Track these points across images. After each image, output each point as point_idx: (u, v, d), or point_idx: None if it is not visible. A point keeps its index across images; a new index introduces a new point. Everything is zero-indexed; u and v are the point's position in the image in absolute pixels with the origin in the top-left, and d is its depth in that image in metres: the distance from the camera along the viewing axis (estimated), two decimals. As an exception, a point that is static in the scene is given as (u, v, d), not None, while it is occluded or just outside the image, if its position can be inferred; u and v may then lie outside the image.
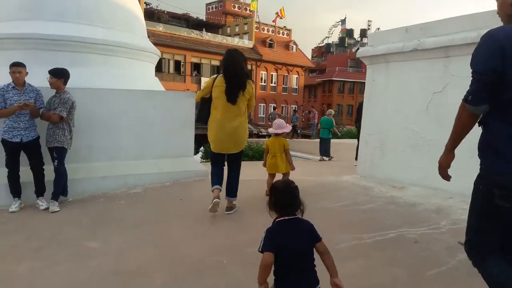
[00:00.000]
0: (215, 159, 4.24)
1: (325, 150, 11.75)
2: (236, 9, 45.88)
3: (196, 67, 35.96)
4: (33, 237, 3.71)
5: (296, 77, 42.17)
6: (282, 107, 41.04)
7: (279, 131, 4.77)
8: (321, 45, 62.05)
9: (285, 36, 42.92)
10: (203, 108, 4.23)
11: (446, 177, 2.07)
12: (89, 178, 5.14)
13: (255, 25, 39.99)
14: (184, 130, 5.89)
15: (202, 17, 43.24)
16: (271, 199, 2.05)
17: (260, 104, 39.32)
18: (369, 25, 61.28)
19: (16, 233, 3.82)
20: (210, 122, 4.15)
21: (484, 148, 1.83)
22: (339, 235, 3.53)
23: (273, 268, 1.95)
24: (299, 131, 24.49)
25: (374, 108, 5.42)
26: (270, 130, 4.91)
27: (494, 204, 1.76)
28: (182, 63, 34.79)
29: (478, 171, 1.85)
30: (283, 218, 2.01)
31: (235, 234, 3.68)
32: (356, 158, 8.73)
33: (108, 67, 6.03)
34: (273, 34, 41.49)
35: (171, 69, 33.82)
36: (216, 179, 4.17)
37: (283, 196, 2.03)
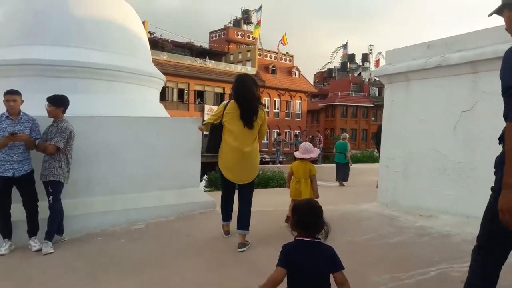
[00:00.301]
0: (226, 187, 4.13)
1: (343, 175, 11.67)
2: (239, 36, 46.41)
3: (200, 94, 36.00)
4: (22, 284, 3.26)
5: (299, 102, 42.11)
6: (285, 132, 40.77)
7: (306, 156, 4.49)
8: (323, 70, 62.46)
9: (287, 62, 43.18)
10: (213, 136, 4.03)
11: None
12: (88, 214, 4.72)
13: (258, 52, 40.28)
14: (190, 158, 5.50)
15: (206, 45, 43.67)
16: (293, 218, 2.01)
17: (264, 130, 39.07)
18: (370, 49, 61.90)
19: (3, 278, 3.38)
20: (222, 148, 3.95)
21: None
22: (372, 275, 3.06)
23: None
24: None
25: (395, 130, 5.02)
26: (296, 154, 4.61)
27: None
28: (185, 91, 34.84)
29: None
30: (303, 238, 1.96)
31: (251, 280, 3.20)
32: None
33: (110, 93, 5.72)
34: (276, 60, 41.75)
35: (175, 97, 33.83)
36: (226, 211, 4.19)
37: (306, 215, 1.97)
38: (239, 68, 38.53)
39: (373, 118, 48.47)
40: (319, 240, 1.97)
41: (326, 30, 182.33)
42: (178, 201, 5.32)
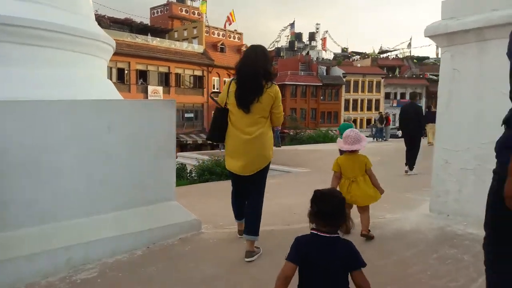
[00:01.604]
0: (233, 181, 3.62)
1: None
2: (184, 12, 43.43)
3: (142, 74, 33.18)
4: None
5: (250, 82, 40.50)
6: (237, 114, 39.19)
7: (357, 147, 3.55)
8: (271, 49, 60.99)
9: (236, 40, 41.19)
10: (217, 121, 3.42)
11: None
12: (3, 261, 2.87)
13: (205, 29, 37.86)
14: (161, 159, 3.77)
15: (146, 21, 40.43)
16: (313, 207, 1.81)
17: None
18: (317, 28, 61.30)
19: None
20: (227, 137, 3.40)
21: None
22: None
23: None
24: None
25: (460, 112, 3.62)
26: (342, 145, 3.62)
27: None
28: (126, 71, 31.85)
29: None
30: (318, 233, 1.76)
31: None
32: (407, 164, 8.18)
33: (36, 64, 3.74)
34: (224, 38, 39.59)
35: (114, 78, 30.70)
36: (237, 210, 3.65)
37: (325, 206, 1.77)
38: (184, 46, 36.01)
39: (322, 97, 48.12)
40: (337, 235, 1.76)
41: (272, 10, 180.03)
42: (145, 225, 3.61)
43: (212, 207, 5.47)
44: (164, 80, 34.49)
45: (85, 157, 3.37)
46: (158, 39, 35.22)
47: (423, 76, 53.71)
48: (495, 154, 1.72)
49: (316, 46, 60.57)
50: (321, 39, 60.37)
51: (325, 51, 59.18)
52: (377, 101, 50.45)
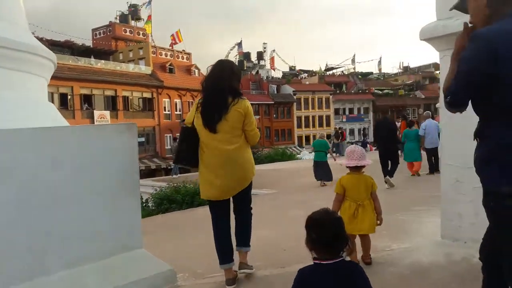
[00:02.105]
0: (214, 211, 3.16)
1: (326, 174, 10.80)
2: (128, 33, 42.12)
3: (87, 99, 31.38)
4: None
5: (201, 103, 39.74)
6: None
7: (365, 162, 3.22)
8: (219, 69, 60.86)
9: (185, 60, 40.47)
10: (184, 143, 3.14)
11: None
12: None
13: (152, 50, 36.82)
14: (122, 197, 3.01)
15: (89, 43, 38.68)
16: (309, 236, 1.68)
17: (166, 135, 35.89)
18: (264, 48, 62.11)
19: None
20: (200, 160, 3.09)
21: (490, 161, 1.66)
22: None
23: None
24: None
25: (466, 122, 3.20)
26: (346, 162, 3.27)
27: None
28: (69, 96, 29.98)
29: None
30: (320, 262, 1.64)
31: None
32: (386, 175, 8.29)
33: None
34: (172, 58, 38.71)
35: (56, 104, 28.73)
36: (221, 248, 3.07)
37: (325, 230, 1.65)
38: (131, 68, 34.72)
39: (274, 115, 48.36)
40: (341, 259, 1.65)
41: (217, 30, 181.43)
42: (107, 284, 2.81)
43: (185, 246, 4.72)
44: (111, 103, 32.86)
45: (24, 201, 2.55)
46: (103, 61, 33.69)
47: (368, 91, 55.79)
48: (475, 169, 1.74)
49: (265, 65, 61.25)
50: (269, 58, 61.19)
51: (274, 70, 60.00)
52: (328, 117, 51.54)
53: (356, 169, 3.23)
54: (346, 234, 1.73)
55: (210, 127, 2.96)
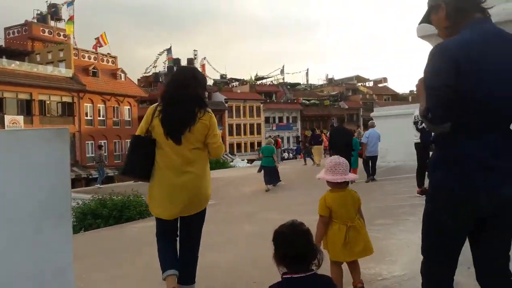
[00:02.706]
0: (162, 228, 2.91)
1: (275, 178, 11.69)
2: (46, 33, 38.84)
3: (-3, 102, 28.20)
4: None
5: (128, 109, 37.79)
6: (115, 142, 35.99)
7: (352, 177, 2.90)
8: (148, 74, 58.69)
9: (110, 64, 38.27)
10: (135, 153, 2.88)
11: None
12: None
13: (74, 51, 34.26)
14: (46, 230, 2.30)
15: (0, 43, 35.01)
16: (278, 251, 1.62)
17: (87, 142, 33.48)
18: (195, 55, 61.20)
19: None
20: (153, 176, 2.84)
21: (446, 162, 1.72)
22: None
23: None
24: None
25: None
26: (329, 177, 2.77)
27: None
28: (-25, 99, 26.73)
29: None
30: (292, 276, 1.57)
31: None
32: None
33: None
34: (96, 61, 36.38)
35: (-41, 107, 25.45)
36: (167, 257, 2.84)
37: (294, 246, 1.58)
38: (49, 70, 31.98)
39: (205, 123, 47.69)
40: (313, 272, 1.60)
41: (146, 36, 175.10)
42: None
43: (123, 277, 3.99)
44: (25, 108, 29.87)
45: None
46: (17, 62, 30.59)
47: (296, 101, 57.51)
48: (427, 173, 1.84)
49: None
50: (200, 65, 60.41)
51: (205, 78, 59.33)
52: (258, 125, 52.10)
53: (339, 185, 2.77)
54: (315, 247, 1.67)
55: (174, 138, 2.75)
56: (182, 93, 2.83)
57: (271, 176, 11.59)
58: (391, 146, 13.36)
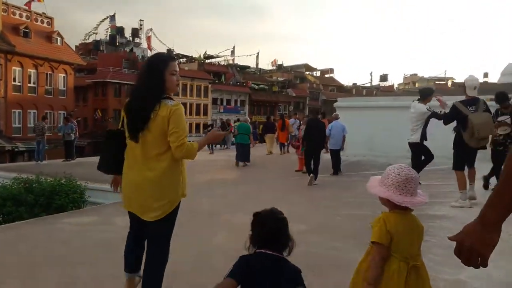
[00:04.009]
0: (130, 222, 2.86)
1: (247, 155, 12.56)
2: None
3: None
4: None
5: (64, 77, 34.33)
6: (47, 113, 32.54)
7: (423, 200, 1.96)
8: (87, 41, 54.14)
9: (45, 25, 34.35)
10: (105, 148, 2.92)
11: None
12: None
13: (3, 7, 30.15)
14: None
15: None
16: (254, 231, 1.81)
17: (14, 110, 29.94)
18: (141, 25, 57.46)
19: None
20: (123, 168, 2.78)
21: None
22: None
23: None
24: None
25: None
26: (396, 198, 1.91)
27: None
28: None
29: None
30: (264, 251, 1.76)
31: None
32: (310, 173, 8.96)
33: None
34: (29, 21, 32.43)
35: None
36: (128, 258, 2.84)
37: (269, 229, 1.77)
38: (-30, 25, 27.83)
39: (149, 99, 44.92)
40: (282, 256, 1.79)
41: (86, 1, 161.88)
42: None
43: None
44: None
45: None
46: None
47: (246, 84, 56.33)
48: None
49: (141, 43, 56.80)
50: (146, 37, 56.94)
51: (151, 50, 55.96)
52: (205, 106, 50.28)
53: (405, 209, 1.96)
54: (289, 236, 1.81)
55: (133, 137, 2.65)
56: (139, 86, 2.72)
57: (245, 154, 12.42)
58: (351, 140, 12.82)
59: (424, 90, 6.88)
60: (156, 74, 2.63)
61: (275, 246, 1.76)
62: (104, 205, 8.21)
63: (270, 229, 1.76)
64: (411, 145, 7.12)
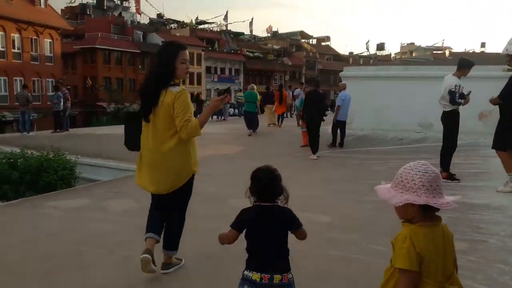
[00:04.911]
0: (152, 199, 3.16)
1: (256, 124, 12.73)
2: None
3: None
4: None
5: (50, 42, 32.63)
6: (34, 81, 31.18)
7: (454, 199, 1.57)
8: (73, 4, 51.57)
9: (28, -15, 32.29)
10: (127, 127, 3.18)
11: None
12: None
13: (-21, -36, 28.12)
14: None
15: None
16: (252, 185, 2.08)
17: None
18: (128, -14, 54.69)
19: None
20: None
21: None
22: None
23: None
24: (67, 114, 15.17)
25: None
26: (430, 199, 1.52)
27: None
28: None
29: None
30: (260, 204, 2.05)
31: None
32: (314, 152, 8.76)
33: None
34: (10, -20, 30.36)
35: None
36: (151, 224, 3.07)
37: (264, 184, 2.05)
38: None
39: (140, 67, 43.33)
40: (276, 203, 2.06)
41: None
42: None
43: None
44: None
45: None
46: None
47: (240, 52, 54.62)
48: None
49: (130, 7, 54.39)
50: (135, 0, 54.38)
51: (140, 15, 53.71)
52: (199, 74, 48.68)
53: (431, 214, 1.59)
54: (283, 187, 2.08)
55: (145, 118, 2.95)
56: (149, 71, 3.10)
57: (253, 121, 12.53)
58: (358, 112, 12.06)
59: (463, 60, 5.96)
60: (167, 62, 2.88)
61: (269, 197, 2.04)
62: (96, 184, 7.47)
63: (263, 183, 2.04)
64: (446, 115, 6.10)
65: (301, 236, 2.09)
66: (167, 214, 3.07)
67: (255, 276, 1.96)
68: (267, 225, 2.00)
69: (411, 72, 12.43)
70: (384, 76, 12.63)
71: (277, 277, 1.95)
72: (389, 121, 11.98)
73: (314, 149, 8.85)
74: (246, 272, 2.00)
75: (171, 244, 3.10)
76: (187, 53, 2.97)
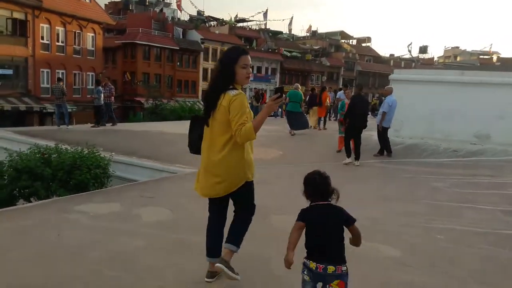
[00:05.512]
0: (210, 206, 3.15)
1: (302, 124, 12.59)
2: None
3: None
4: None
5: (92, 36, 33.25)
6: (75, 74, 31.91)
7: None
8: (117, 0, 52.64)
9: (76, -21, 33.03)
10: (193, 130, 3.17)
11: None
12: None
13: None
14: None
15: None
16: (307, 189, 2.36)
17: (43, 69, 29.28)
18: (174, -17, 55.21)
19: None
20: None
21: None
22: None
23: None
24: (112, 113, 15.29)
25: None
26: None
27: None
28: None
29: None
30: (316, 203, 2.32)
31: None
32: (349, 156, 8.61)
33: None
34: (57, -26, 31.12)
35: None
36: (208, 242, 3.06)
37: (318, 187, 2.33)
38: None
39: (178, 63, 43.56)
40: (329, 202, 2.33)
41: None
42: None
43: None
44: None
45: None
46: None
47: (278, 51, 53.96)
48: None
49: (171, 3, 54.91)
50: (176, -3, 54.84)
51: (181, 11, 54.09)
52: (235, 72, 48.46)
53: None
54: (333, 188, 2.35)
55: (206, 122, 3.00)
56: (212, 77, 3.10)
57: (297, 121, 12.46)
58: (407, 119, 11.19)
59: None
60: (226, 68, 2.90)
61: (323, 198, 2.32)
62: (130, 185, 7.11)
63: (318, 186, 2.33)
64: None
65: (356, 232, 2.31)
66: (235, 213, 3.08)
67: (312, 264, 2.22)
68: (325, 222, 2.25)
69: (468, 77, 11.37)
70: (438, 81, 11.64)
71: (330, 268, 2.19)
72: (441, 130, 11.03)
73: (357, 156, 8.64)
74: (305, 260, 2.27)
75: (235, 238, 3.00)
76: (249, 58, 2.94)
